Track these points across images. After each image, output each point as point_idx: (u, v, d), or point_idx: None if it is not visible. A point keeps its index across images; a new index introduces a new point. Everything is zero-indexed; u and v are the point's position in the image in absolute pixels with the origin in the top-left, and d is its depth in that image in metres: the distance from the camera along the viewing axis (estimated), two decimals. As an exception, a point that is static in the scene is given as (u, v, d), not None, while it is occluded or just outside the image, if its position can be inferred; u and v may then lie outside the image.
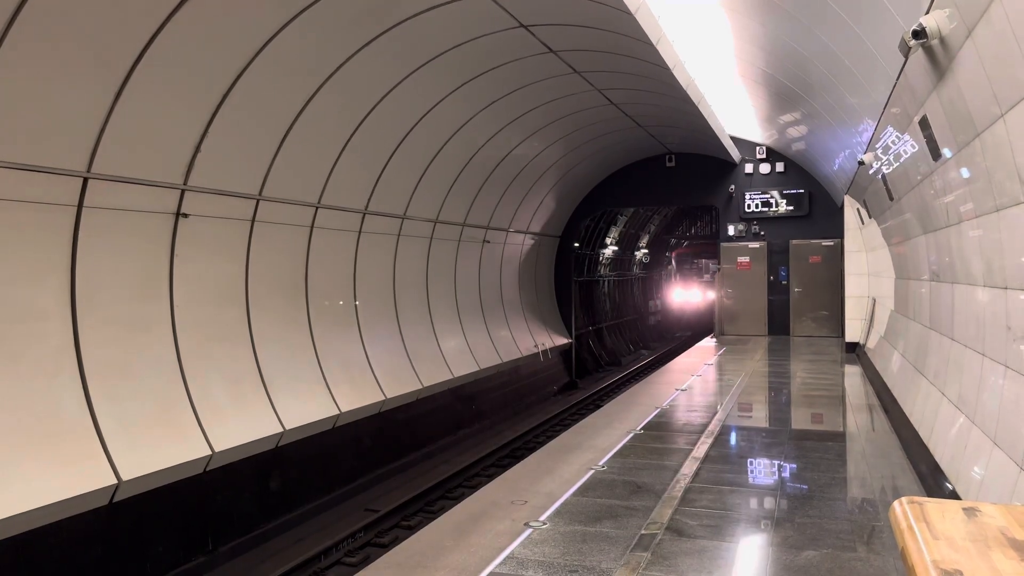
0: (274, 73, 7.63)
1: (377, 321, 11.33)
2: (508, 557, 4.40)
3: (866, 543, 4.60)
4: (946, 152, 5.27)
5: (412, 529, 8.52)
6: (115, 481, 6.43)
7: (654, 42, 9.05)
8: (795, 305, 17.52)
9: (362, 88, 9.02)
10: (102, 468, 6.40)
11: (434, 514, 8.91)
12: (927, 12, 4.17)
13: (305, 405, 9.13)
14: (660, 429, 8.03)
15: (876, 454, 6.99)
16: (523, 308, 17.37)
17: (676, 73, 10.43)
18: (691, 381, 11.28)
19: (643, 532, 4.76)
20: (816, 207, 17.20)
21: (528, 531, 4.81)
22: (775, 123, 14.39)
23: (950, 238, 6.01)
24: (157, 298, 7.40)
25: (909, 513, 2.11)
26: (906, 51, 4.45)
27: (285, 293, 9.33)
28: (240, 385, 8.28)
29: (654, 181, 18.59)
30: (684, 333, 29.50)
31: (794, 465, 6.56)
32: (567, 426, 12.83)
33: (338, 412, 9.63)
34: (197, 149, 7.35)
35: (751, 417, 9.01)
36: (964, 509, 2.15)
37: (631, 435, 7.56)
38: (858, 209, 13.70)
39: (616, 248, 24.36)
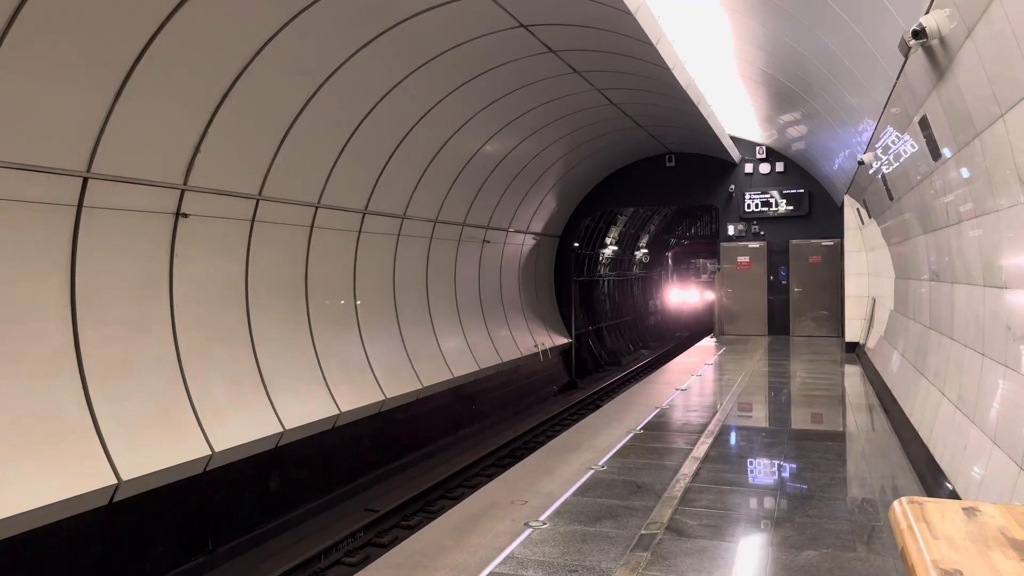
0: (274, 73, 7.63)
1: (377, 321, 11.33)
2: (508, 557, 4.39)
3: (866, 543, 4.60)
4: (946, 152, 5.28)
5: (412, 529, 8.52)
6: (115, 481, 6.43)
7: (654, 42, 9.05)
8: (795, 305, 17.52)
9: (362, 88, 9.02)
10: (102, 468, 6.40)
11: (434, 514, 8.91)
12: (927, 12, 4.17)
13: (305, 405, 9.13)
14: (660, 429, 8.03)
15: (876, 454, 6.99)
16: (523, 308, 17.37)
17: (676, 73, 10.43)
18: (691, 381, 11.28)
19: (643, 532, 4.76)
20: (816, 207, 17.20)
21: (528, 531, 4.81)
22: (775, 123, 14.40)
23: (950, 238, 6.01)
24: (157, 298, 7.40)
25: (909, 513, 2.11)
26: (906, 51, 4.45)
27: (285, 293, 9.33)
28: (240, 385, 8.28)
29: (654, 181, 18.59)
30: (682, 333, 29.36)
31: (794, 465, 6.56)
32: (567, 426, 12.83)
33: (338, 412, 9.63)
34: (197, 149, 7.35)
35: (751, 417, 9.01)
36: (964, 509, 2.15)
37: (631, 435, 7.56)
38: (858, 209, 13.70)
39: (616, 248, 24.37)
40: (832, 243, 16.85)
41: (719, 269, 18.25)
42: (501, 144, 13.16)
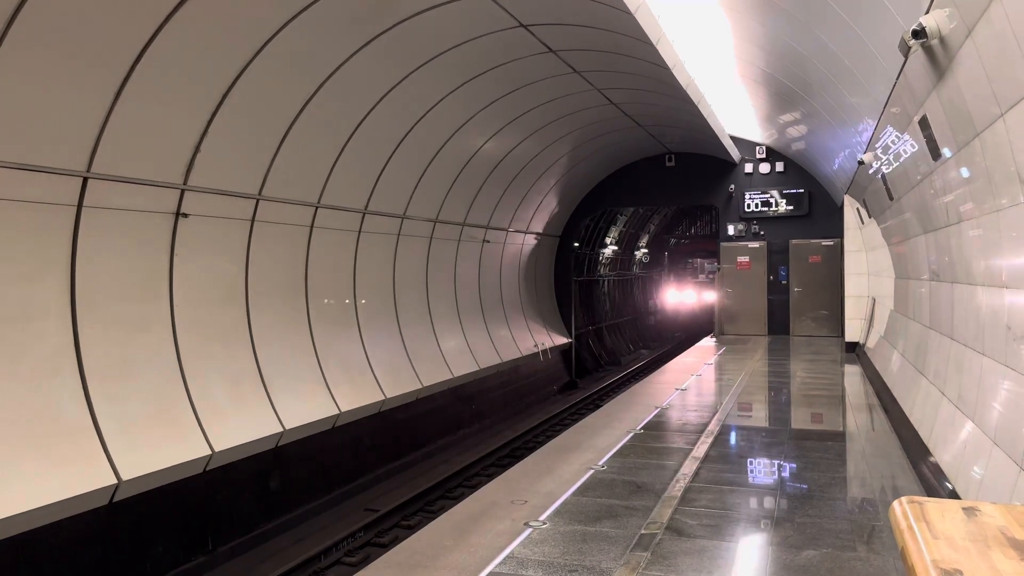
0: (274, 73, 7.63)
1: (377, 321, 11.33)
2: (508, 557, 4.39)
3: (866, 543, 4.60)
4: (946, 152, 5.28)
5: (412, 529, 8.52)
6: (115, 481, 6.43)
7: (654, 42, 9.05)
8: (795, 305, 17.52)
9: (362, 88, 9.02)
10: (102, 468, 6.40)
11: (434, 514, 8.91)
12: (927, 12, 4.17)
13: (305, 405, 9.13)
14: (660, 429, 8.03)
15: (876, 454, 6.99)
16: (523, 308, 17.37)
17: (676, 73, 10.43)
18: (691, 381, 11.28)
19: (643, 532, 4.76)
20: (816, 207, 17.20)
21: (528, 531, 4.81)
22: (775, 123, 14.39)
23: (950, 238, 6.01)
24: (157, 298, 7.40)
25: (909, 513, 2.11)
26: (906, 51, 4.45)
27: (285, 293, 9.33)
28: (240, 385, 8.27)
29: (654, 181, 18.59)
30: (679, 334, 29.26)
31: (794, 465, 6.56)
32: (567, 426, 12.84)
33: (338, 412, 9.63)
34: (197, 149, 7.35)
35: (751, 417, 9.01)
36: (964, 509, 2.15)
37: (631, 435, 7.56)
38: (858, 209, 13.70)
39: (616, 248, 24.37)
40: (832, 243, 16.85)
41: (719, 269, 18.25)
42: (501, 144, 13.16)
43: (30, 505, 5.74)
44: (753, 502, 5.51)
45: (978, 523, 2.05)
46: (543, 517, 5.07)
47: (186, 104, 7.08)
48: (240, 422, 8.05)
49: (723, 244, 18.14)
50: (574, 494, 5.60)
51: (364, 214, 10.65)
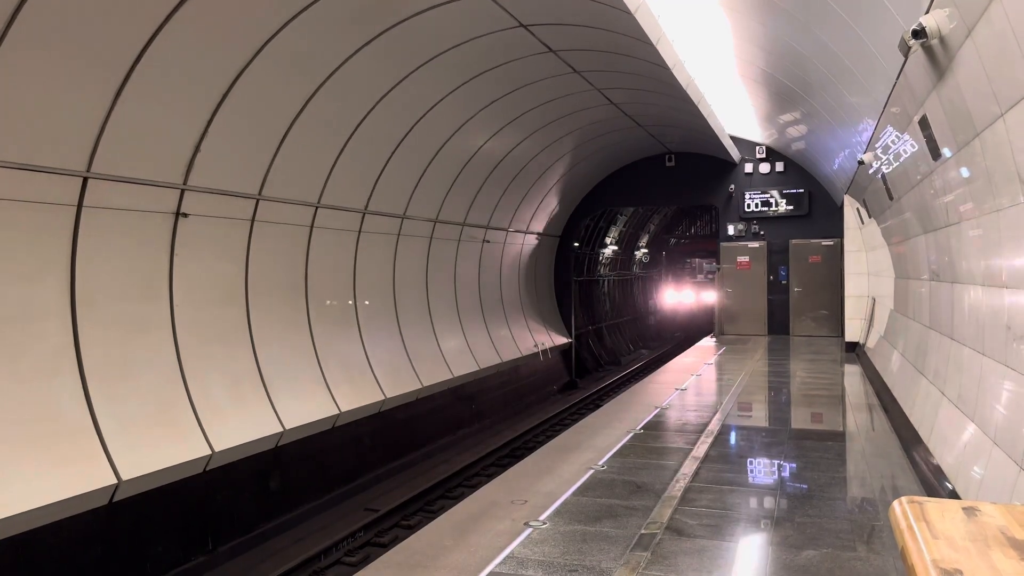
0: (274, 73, 7.63)
1: (377, 321, 11.33)
2: (508, 557, 4.39)
3: (866, 543, 4.60)
4: (946, 152, 5.28)
5: (412, 529, 8.52)
6: (115, 481, 6.43)
7: (654, 42, 9.05)
8: (795, 305, 17.52)
9: (361, 88, 9.02)
10: (102, 468, 6.40)
11: (434, 514, 8.91)
12: (927, 11, 4.17)
13: (305, 405, 9.13)
14: (660, 429, 8.03)
15: (876, 454, 6.99)
16: (523, 308, 17.37)
17: (676, 73, 10.43)
18: (691, 381, 11.28)
19: (643, 532, 4.76)
20: (816, 207, 17.20)
21: (528, 531, 4.81)
22: (775, 122, 14.39)
23: (950, 238, 6.01)
24: (157, 298, 7.40)
25: (909, 512, 2.11)
26: (906, 50, 4.45)
27: (285, 293, 9.33)
28: (240, 385, 8.28)
29: (654, 181, 18.59)
30: (678, 335, 29.09)
31: (794, 465, 6.56)
32: (567, 426, 12.84)
33: (338, 412, 9.63)
34: (197, 149, 7.35)
35: (751, 417, 9.01)
36: (964, 509, 2.15)
37: (631, 435, 7.56)
38: (858, 209, 13.70)
39: (616, 248, 24.37)
40: (832, 243, 16.85)
41: (719, 269, 18.25)
42: (501, 144, 13.15)
43: (30, 505, 5.74)
44: (753, 502, 5.51)
45: (978, 523, 2.05)
46: (543, 517, 5.07)
47: (186, 104, 7.08)
48: (240, 422, 8.05)
49: (723, 244, 18.14)
50: (574, 494, 5.60)
51: (364, 214, 10.65)
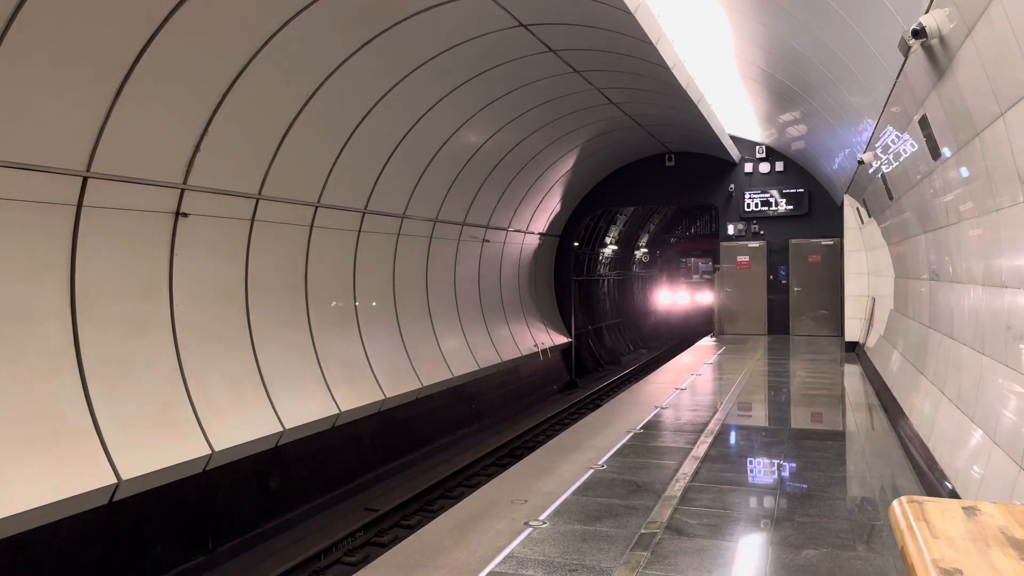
0: (273, 73, 7.63)
1: (377, 320, 11.33)
2: (508, 556, 4.39)
3: (866, 542, 4.60)
4: (946, 151, 5.28)
5: (412, 528, 8.52)
6: (115, 480, 6.43)
7: (654, 41, 9.05)
8: (795, 304, 17.52)
9: (361, 87, 9.02)
10: (102, 467, 6.40)
11: (434, 513, 8.91)
12: (927, 11, 4.17)
13: (305, 404, 9.13)
14: (660, 428, 8.03)
15: (876, 453, 6.99)
16: (523, 307, 17.37)
17: (676, 72, 10.43)
18: (691, 380, 11.28)
19: (643, 531, 4.76)
20: (816, 206, 17.20)
21: (528, 530, 4.81)
22: (775, 122, 14.39)
23: (949, 237, 6.01)
24: (157, 298, 7.40)
25: (909, 512, 2.11)
26: (906, 50, 4.45)
27: (285, 292, 9.33)
28: (240, 385, 8.28)
29: (654, 180, 18.59)
30: (675, 338, 28.66)
31: (794, 464, 6.56)
32: (567, 425, 12.84)
33: (338, 411, 9.64)
34: (196, 148, 7.35)
35: (751, 416, 9.01)
36: (964, 508, 2.15)
37: (631, 434, 7.56)
38: (858, 208, 13.70)
39: (616, 247, 24.37)
40: (832, 242, 16.85)
41: (718, 269, 18.25)
42: (501, 143, 13.15)
43: (30, 505, 5.74)
44: (753, 501, 5.51)
45: (978, 522, 2.05)
46: (543, 516, 5.07)
47: (186, 103, 7.08)
48: (240, 422, 8.05)
49: (723, 244, 18.14)
50: (574, 493, 5.60)
51: (364, 214, 10.65)
